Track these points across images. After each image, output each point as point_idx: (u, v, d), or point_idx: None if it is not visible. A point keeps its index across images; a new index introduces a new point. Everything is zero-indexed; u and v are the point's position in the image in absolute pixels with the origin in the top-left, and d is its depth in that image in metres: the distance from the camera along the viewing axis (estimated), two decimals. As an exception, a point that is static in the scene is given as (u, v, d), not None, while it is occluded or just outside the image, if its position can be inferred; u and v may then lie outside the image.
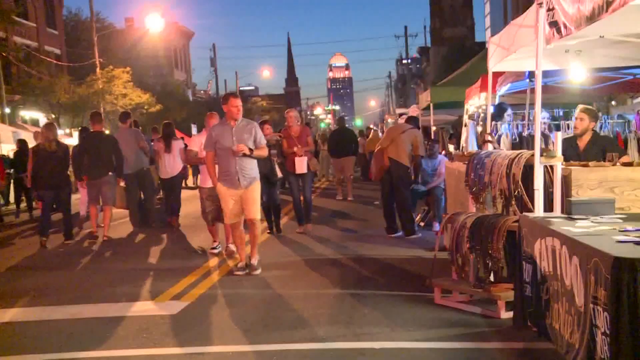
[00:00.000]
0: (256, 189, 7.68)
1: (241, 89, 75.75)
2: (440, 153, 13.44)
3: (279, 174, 10.29)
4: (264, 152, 7.82)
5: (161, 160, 11.54)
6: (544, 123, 8.53)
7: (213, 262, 8.55)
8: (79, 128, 18.40)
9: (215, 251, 9.07)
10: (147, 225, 12.04)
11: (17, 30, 29.73)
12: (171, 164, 11.43)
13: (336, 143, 16.59)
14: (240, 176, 7.50)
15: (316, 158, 13.59)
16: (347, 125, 22.04)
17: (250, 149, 7.50)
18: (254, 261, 7.63)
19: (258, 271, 7.55)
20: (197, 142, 9.07)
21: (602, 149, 6.31)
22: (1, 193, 16.95)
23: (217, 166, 7.73)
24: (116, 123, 19.78)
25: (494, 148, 7.34)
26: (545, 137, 8.02)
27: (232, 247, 8.65)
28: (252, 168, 7.63)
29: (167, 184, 11.77)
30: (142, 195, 12.30)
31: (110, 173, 10.66)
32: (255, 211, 7.68)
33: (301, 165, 10.35)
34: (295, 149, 10.33)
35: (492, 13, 61.24)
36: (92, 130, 11.04)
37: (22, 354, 5.16)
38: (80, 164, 10.71)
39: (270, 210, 10.57)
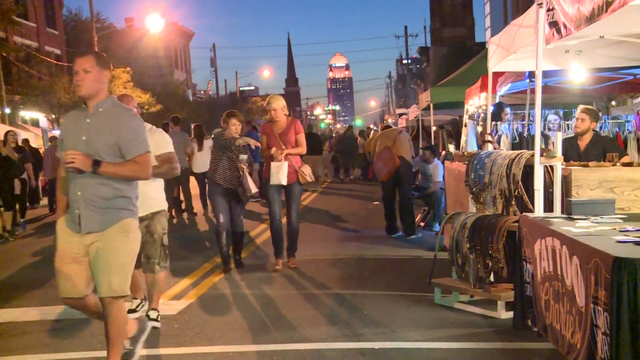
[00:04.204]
0: (121, 239, 4.06)
1: (241, 89, 75.79)
2: (441, 153, 13.48)
3: (253, 189, 7.60)
4: (141, 171, 4.10)
5: (194, 157, 13.26)
6: (553, 124, 8.57)
7: (213, 262, 8.55)
8: None
9: (136, 315, 5.78)
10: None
11: (17, 30, 29.71)
12: (204, 160, 12.51)
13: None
14: (83, 209, 4.01)
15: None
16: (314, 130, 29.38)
17: (96, 162, 3.92)
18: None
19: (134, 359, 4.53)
20: None
21: (603, 149, 6.32)
22: None
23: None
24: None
25: (494, 148, 7.34)
26: (545, 137, 8.02)
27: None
28: (114, 197, 4.05)
29: (201, 178, 13.25)
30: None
31: None
32: (117, 282, 4.04)
33: (279, 171, 7.42)
34: (273, 149, 7.50)
35: (492, 13, 61.19)
36: None
37: (22, 354, 5.15)
38: None
39: (230, 237, 7.78)
